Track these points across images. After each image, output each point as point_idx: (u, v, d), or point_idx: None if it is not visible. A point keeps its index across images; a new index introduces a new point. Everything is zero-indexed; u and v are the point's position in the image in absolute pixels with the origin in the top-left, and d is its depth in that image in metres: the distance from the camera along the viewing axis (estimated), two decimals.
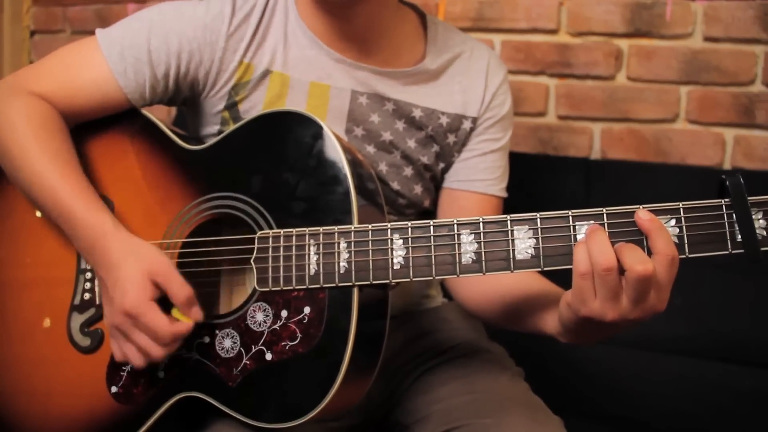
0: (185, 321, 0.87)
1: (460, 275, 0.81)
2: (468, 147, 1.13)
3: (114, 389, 0.94)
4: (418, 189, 1.12)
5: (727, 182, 0.75)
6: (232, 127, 0.98)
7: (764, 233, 0.73)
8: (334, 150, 0.88)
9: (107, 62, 0.99)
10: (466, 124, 1.11)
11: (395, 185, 1.09)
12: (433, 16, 1.16)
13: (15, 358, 1.00)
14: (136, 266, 0.87)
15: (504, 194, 1.17)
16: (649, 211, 0.76)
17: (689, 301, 1.49)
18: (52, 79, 1.00)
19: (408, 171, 1.10)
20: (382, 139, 1.08)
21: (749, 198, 0.74)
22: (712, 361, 1.44)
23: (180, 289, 0.87)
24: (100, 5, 2.19)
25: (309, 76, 1.04)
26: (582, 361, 1.47)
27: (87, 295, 0.98)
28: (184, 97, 1.07)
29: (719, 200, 0.76)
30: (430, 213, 1.19)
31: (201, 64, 1.02)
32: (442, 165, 1.13)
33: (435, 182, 1.15)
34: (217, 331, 0.90)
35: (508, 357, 1.15)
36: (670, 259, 0.74)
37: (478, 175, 1.13)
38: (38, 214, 1.03)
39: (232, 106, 1.05)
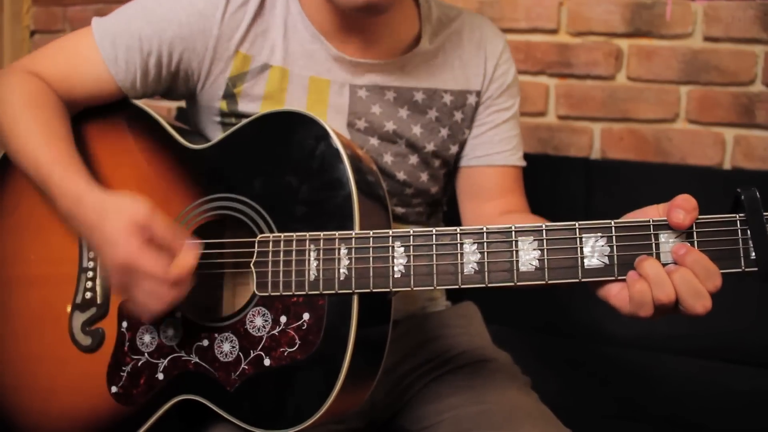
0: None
1: (462, 286, 0.79)
2: (479, 121, 1.11)
3: (114, 389, 0.94)
4: (424, 177, 1.09)
5: (743, 196, 0.71)
6: (234, 126, 0.96)
7: None
8: (336, 152, 0.87)
9: (99, 49, 0.99)
10: (471, 99, 1.09)
11: (401, 175, 1.07)
12: None
13: (18, 354, 1.00)
14: (117, 219, 0.85)
15: (523, 163, 1.14)
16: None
17: None
18: (48, 62, 1.02)
19: (414, 159, 1.08)
20: (385, 129, 1.05)
21: (765, 213, 0.70)
22: (712, 361, 1.45)
23: (166, 228, 0.86)
24: (100, 5, 2.19)
25: (309, 70, 1.02)
26: (585, 364, 1.47)
27: (88, 294, 0.98)
28: (181, 92, 1.06)
29: (733, 215, 0.72)
30: (438, 202, 1.17)
31: (194, 52, 1.00)
32: (455, 148, 1.11)
33: (446, 168, 1.13)
34: (216, 335, 0.90)
35: (515, 365, 1.14)
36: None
37: (495, 148, 1.11)
38: (42, 209, 1.03)
39: (230, 98, 1.03)
